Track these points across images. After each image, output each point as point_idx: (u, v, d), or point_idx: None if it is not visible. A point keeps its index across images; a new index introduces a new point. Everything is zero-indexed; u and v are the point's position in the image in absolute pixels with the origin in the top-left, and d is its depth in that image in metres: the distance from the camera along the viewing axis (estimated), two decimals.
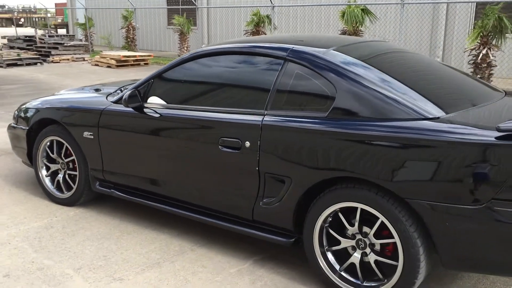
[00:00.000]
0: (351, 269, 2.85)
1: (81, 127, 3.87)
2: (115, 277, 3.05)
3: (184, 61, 3.52)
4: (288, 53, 3.08)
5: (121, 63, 15.14)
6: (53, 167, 4.23)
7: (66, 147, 4.06)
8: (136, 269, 3.15)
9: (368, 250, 2.76)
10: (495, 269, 2.52)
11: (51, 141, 4.16)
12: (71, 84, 11.32)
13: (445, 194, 2.44)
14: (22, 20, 48.63)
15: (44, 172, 4.28)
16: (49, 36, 18.30)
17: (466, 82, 3.38)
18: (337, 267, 2.87)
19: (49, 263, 3.21)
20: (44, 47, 17.18)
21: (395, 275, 2.65)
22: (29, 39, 18.26)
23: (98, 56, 15.97)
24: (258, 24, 14.09)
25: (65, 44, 17.21)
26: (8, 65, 14.95)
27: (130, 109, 3.58)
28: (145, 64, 16.12)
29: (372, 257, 2.75)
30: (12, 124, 4.55)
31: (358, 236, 2.79)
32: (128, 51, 18.06)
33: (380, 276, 2.74)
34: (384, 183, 2.57)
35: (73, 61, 16.89)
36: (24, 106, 4.49)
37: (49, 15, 42.95)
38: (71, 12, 27.11)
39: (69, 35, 19.83)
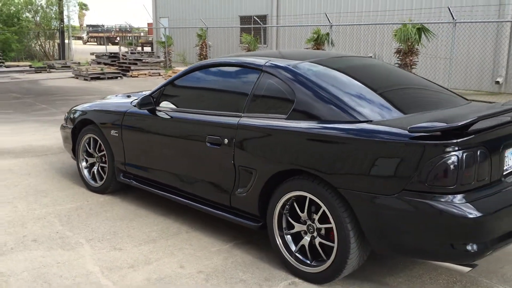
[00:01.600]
0: (303, 250, 3.30)
1: (109, 126, 4.63)
2: (116, 248, 3.72)
3: (187, 72, 4.17)
4: (264, 65, 3.62)
5: None
6: (90, 160, 5.04)
7: (100, 143, 4.84)
8: (135, 243, 3.80)
9: (315, 233, 3.21)
10: (412, 253, 2.87)
11: (89, 138, 4.97)
12: None
13: (367, 184, 2.86)
14: (118, 38, 52.28)
15: (83, 164, 5.10)
16: (131, 53, 19.94)
17: (433, 92, 3.75)
18: (293, 248, 3.34)
19: (69, 234, 3.95)
20: (125, 63, 18.78)
21: (332, 255, 3.07)
22: (114, 56, 20.01)
23: (171, 71, 17.22)
24: (317, 42, 14.60)
25: (143, 60, 18.71)
26: (92, 78, 16.57)
27: (145, 111, 4.28)
28: None
29: (317, 240, 3.20)
30: (63, 124, 5.44)
31: (309, 222, 3.24)
32: None
33: (324, 256, 3.17)
34: (322, 175, 3.03)
35: (149, 75, 18.30)
36: (72, 109, 5.36)
37: (142, 34, 46.06)
38: (155, 31, 29.11)
39: (150, 52, 21.46)
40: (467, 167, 2.67)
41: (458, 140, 2.65)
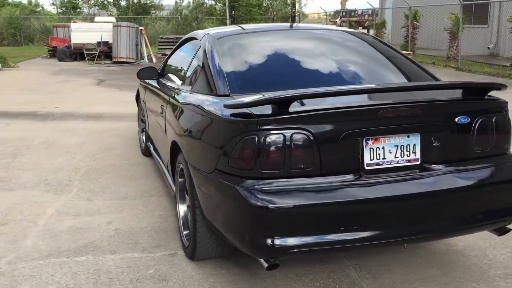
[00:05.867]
0: None
1: (142, 96, 5.14)
2: (90, 199, 4.21)
3: (176, 47, 4.37)
4: (202, 37, 3.58)
5: None
6: (142, 125, 5.65)
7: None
8: (109, 198, 4.23)
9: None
10: (225, 238, 2.59)
11: (140, 106, 5.58)
12: None
13: (197, 159, 2.71)
14: (367, 23, 52.51)
15: (139, 129, 5.75)
16: None
17: (372, 66, 3.20)
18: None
19: (76, 183, 4.61)
20: None
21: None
22: None
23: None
24: None
25: None
26: None
27: (155, 82, 4.63)
28: None
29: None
30: None
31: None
32: (402, 49, 18.30)
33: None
34: (181, 147, 2.95)
35: None
36: None
37: None
38: (380, 12, 28.58)
39: None
40: (269, 151, 2.31)
41: (259, 120, 2.33)
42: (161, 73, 4.56)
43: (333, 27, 4.16)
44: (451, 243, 3.32)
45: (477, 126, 2.58)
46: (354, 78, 3.07)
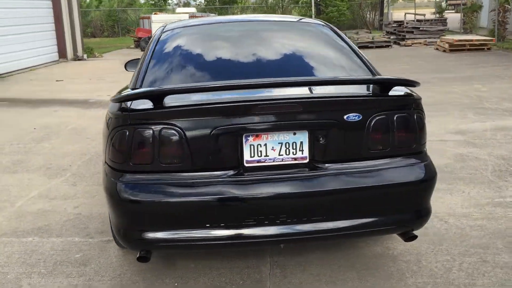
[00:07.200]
0: None
1: None
2: (75, 184, 4.49)
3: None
4: (156, 31, 3.65)
5: (455, 47, 14.66)
6: None
7: None
8: (91, 184, 4.47)
9: None
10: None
11: None
12: None
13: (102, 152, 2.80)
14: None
15: None
16: (417, 20, 19.17)
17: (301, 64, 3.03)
18: None
19: (72, 169, 4.92)
20: (403, 31, 18.29)
21: None
22: (400, 23, 19.66)
23: (439, 40, 15.91)
24: None
25: (420, 28, 17.79)
26: (360, 47, 16.90)
27: None
28: (487, 49, 14.97)
29: None
30: None
31: None
32: (488, 36, 16.95)
33: None
34: None
35: (425, 44, 17.34)
36: None
37: None
38: None
39: (439, 20, 20.03)
40: (137, 145, 2.37)
41: (130, 114, 2.40)
42: None
43: (289, 17, 3.96)
44: (390, 246, 3.12)
45: (372, 124, 2.41)
46: (270, 71, 2.94)
